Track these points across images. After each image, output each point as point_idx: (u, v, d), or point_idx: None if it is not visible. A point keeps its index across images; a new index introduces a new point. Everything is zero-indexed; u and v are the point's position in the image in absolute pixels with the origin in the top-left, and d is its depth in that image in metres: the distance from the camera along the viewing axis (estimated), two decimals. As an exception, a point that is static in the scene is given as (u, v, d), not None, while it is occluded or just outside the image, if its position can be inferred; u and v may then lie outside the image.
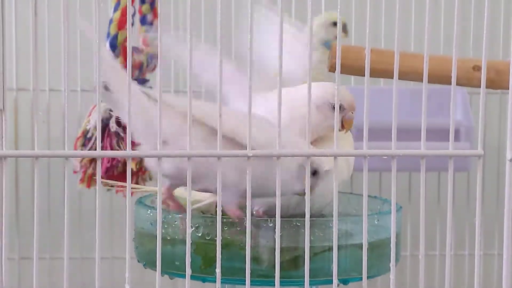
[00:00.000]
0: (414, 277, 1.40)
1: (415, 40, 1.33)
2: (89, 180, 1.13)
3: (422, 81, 0.68)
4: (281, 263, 0.66)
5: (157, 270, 0.66)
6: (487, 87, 0.69)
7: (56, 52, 1.30)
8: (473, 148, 1.00)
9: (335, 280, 0.66)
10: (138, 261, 0.86)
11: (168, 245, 0.80)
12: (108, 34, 1.09)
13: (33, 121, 1.33)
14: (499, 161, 1.39)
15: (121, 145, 1.10)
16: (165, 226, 0.80)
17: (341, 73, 0.67)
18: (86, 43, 1.31)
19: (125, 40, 1.08)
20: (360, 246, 0.68)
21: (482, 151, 0.67)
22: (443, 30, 1.37)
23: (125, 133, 1.09)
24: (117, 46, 1.09)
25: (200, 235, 0.78)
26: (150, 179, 1.14)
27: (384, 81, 1.32)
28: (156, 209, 0.66)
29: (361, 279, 0.68)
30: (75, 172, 1.13)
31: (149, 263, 0.84)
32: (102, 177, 0.66)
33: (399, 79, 0.67)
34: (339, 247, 0.67)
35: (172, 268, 0.80)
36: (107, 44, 1.08)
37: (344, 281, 0.79)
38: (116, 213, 1.34)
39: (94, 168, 1.10)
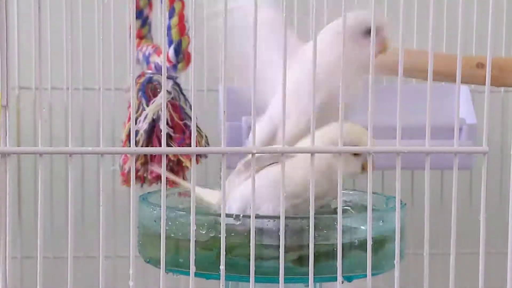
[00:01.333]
0: (416, 276, 1.39)
1: (418, 37, 1.33)
2: (140, 179, 1.12)
3: (426, 79, 0.68)
4: (285, 260, 0.66)
5: (161, 267, 0.66)
6: (490, 84, 0.69)
7: (58, 50, 1.29)
8: (475, 146, 1.00)
9: (339, 278, 0.66)
10: (145, 261, 0.86)
11: (172, 243, 0.80)
12: (171, 40, 1.09)
13: (36, 119, 1.34)
14: (502, 159, 1.39)
15: (172, 145, 1.10)
16: (169, 223, 0.79)
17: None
18: (89, 41, 1.32)
19: (188, 46, 1.08)
20: (364, 243, 0.68)
21: (487, 148, 0.67)
22: (445, 27, 1.37)
23: (175, 133, 1.09)
24: (181, 52, 1.10)
25: (204, 232, 0.78)
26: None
27: (386, 80, 1.32)
28: (160, 207, 0.66)
29: (365, 275, 0.68)
30: (123, 173, 1.13)
31: (153, 261, 0.84)
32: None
33: (404, 76, 0.67)
34: (343, 245, 0.67)
35: (176, 265, 0.80)
36: (171, 50, 1.08)
37: (348, 278, 0.79)
38: (119, 211, 1.34)
39: (146, 170, 1.10)
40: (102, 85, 0.67)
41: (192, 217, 0.66)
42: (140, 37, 1.17)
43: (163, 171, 0.66)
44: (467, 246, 1.40)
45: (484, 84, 0.68)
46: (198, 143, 1.09)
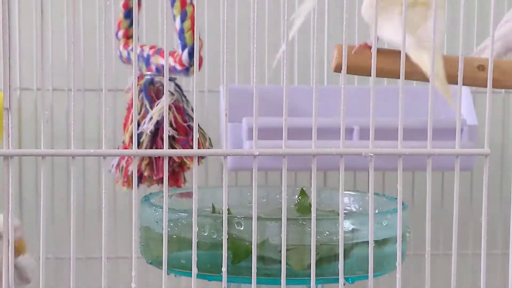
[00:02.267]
0: (417, 276, 1.40)
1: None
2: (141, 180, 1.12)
3: (427, 81, 0.68)
4: (287, 261, 0.66)
5: (163, 269, 0.66)
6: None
7: (59, 51, 1.30)
8: (476, 147, 1.00)
9: (341, 280, 0.67)
10: (147, 262, 0.86)
11: (174, 244, 0.80)
12: (185, 44, 1.08)
13: (37, 120, 1.35)
14: (502, 160, 1.39)
15: (176, 147, 1.09)
16: (171, 224, 0.80)
17: (346, 73, 0.67)
18: (90, 42, 1.32)
19: (201, 49, 1.08)
20: (366, 244, 0.68)
21: (488, 150, 0.67)
22: (447, 29, 1.37)
23: (179, 135, 1.09)
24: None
25: (206, 234, 0.79)
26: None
27: (387, 81, 1.32)
28: (162, 208, 0.66)
29: (366, 277, 0.68)
30: (125, 175, 1.12)
31: (155, 262, 0.84)
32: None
33: (405, 79, 0.67)
34: (345, 246, 0.67)
35: (178, 267, 0.80)
36: (186, 54, 1.07)
37: (349, 280, 0.79)
38: (119, 212, 1.34)
39: (151, 170, 1.09)
40: (104, 86, 0.67)
41: (194, 218, 0.66)
42: (128, 36, 1.17)
43: (165, 172, 0.66)
44: (468, 247, 1.40)
45: (485, 86, 0.68)
46: (202, 145, 1.09)
